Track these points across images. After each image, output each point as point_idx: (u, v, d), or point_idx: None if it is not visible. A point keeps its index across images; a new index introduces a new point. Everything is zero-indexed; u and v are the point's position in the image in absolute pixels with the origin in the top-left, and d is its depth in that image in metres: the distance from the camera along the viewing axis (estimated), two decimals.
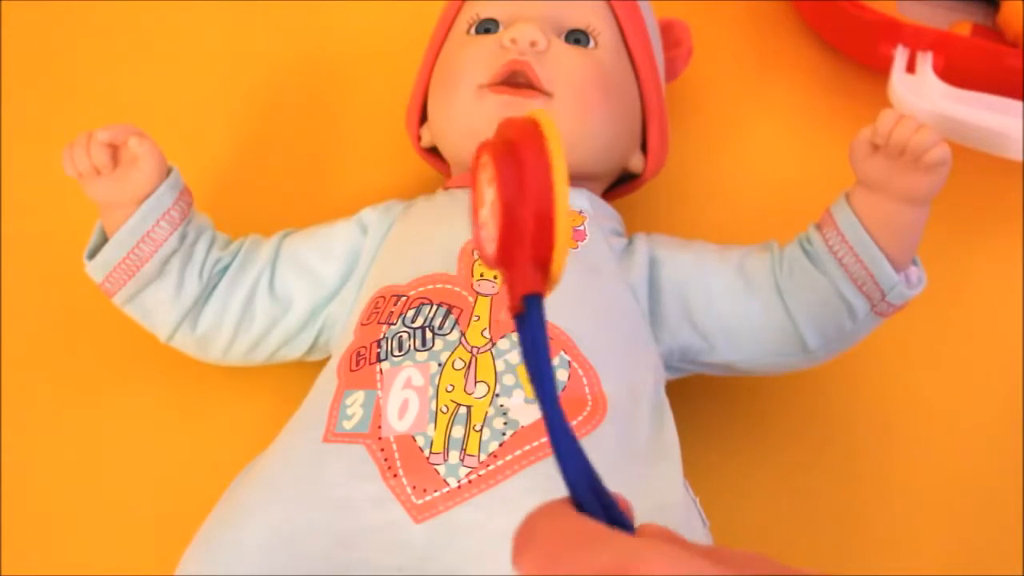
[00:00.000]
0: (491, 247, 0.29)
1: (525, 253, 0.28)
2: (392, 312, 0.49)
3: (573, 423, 0.45)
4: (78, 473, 0.59)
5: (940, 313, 0.64)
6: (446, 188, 0.59)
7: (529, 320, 0.28)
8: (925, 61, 0.64)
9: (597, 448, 0.45)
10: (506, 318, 0.48)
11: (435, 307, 0.49)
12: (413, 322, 0.48)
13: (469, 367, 0.46)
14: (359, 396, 0.47)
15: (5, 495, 0.58)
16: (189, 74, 0.72)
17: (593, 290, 0.52)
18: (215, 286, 0.56)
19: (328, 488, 0.45)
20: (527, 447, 0.44)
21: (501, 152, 0.29)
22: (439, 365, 0.46)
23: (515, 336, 0.47)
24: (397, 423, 0.45)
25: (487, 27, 0.58)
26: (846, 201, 0.53)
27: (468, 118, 0.55)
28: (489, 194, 0.29)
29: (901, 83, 0.63)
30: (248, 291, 0.56)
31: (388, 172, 0.68)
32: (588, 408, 0.46)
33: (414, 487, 0.44)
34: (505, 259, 0.28)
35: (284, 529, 0.44)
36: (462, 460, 0.44)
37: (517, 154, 0.28)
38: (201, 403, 0.60)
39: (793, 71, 0.73)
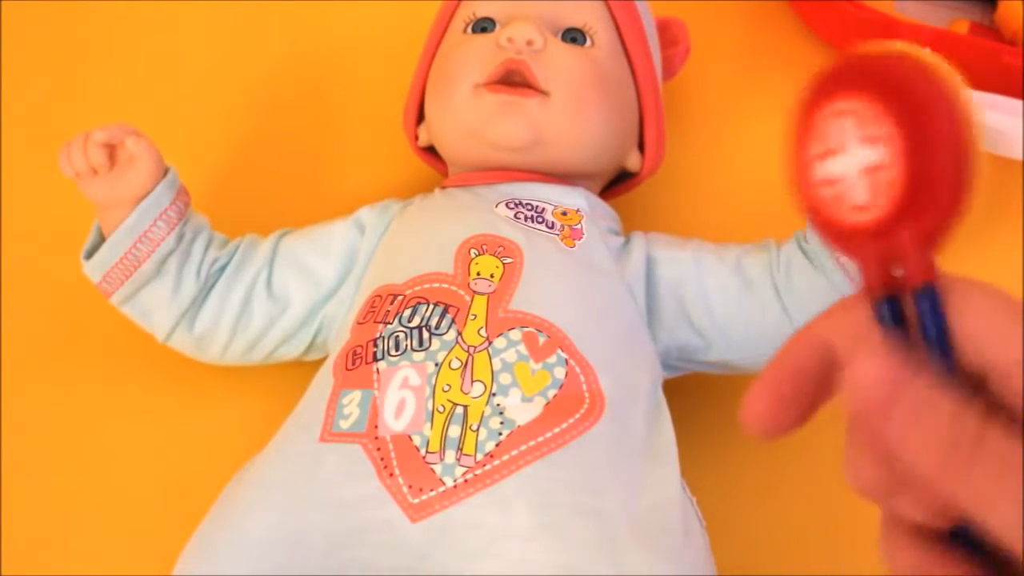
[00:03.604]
0: (862, 215, 0.25)
1: (914, 228, 0.24)
2: (388, 311, 0.49)
3: (570, 420, 0.45)
4: (77, 473, 0.59)
5: None
6: (443, 187, 0.59)
7: (929, 314, 0.25)
8: None
9: (594, 446, 0.45)
10: (504, 316, 0.48)
11: (432, 306, 0.49)
12: (410, 321, 0.48)
13: (466, 366, 0.46)
14: (355, 396, 0.47)
15: (5, 495, 0.58)
16: (187, 74, 0.72)
17: (590, 288, 0.52)
18: (213, 286, 0.56)
19: (324, 487, 0.45)
20: (523, 447, 0.44)
21: (890, 97, 0.24)
22: (436, 365, 0.46)
23: (512, 335, 0.47)
24: (394, 423, 0.45)
25: (484, 26, 0.58)
26: None
27: (465, 117, 0.56)
28: (861, 151, 0.25)
29: None
30: (246, 291, 0.56)
31: (385, 171, 0.68)
32: (585, 406, 0.46)
33: (410, 486, 0.44)
34: (886, 231, 0.25)
35: (281, 529, 0.44)
36: (458, 460, 0.44)
37: (917, 103, 0.24)
38: (198, 403, 0.60)
39: (791, 70, 0.73)
